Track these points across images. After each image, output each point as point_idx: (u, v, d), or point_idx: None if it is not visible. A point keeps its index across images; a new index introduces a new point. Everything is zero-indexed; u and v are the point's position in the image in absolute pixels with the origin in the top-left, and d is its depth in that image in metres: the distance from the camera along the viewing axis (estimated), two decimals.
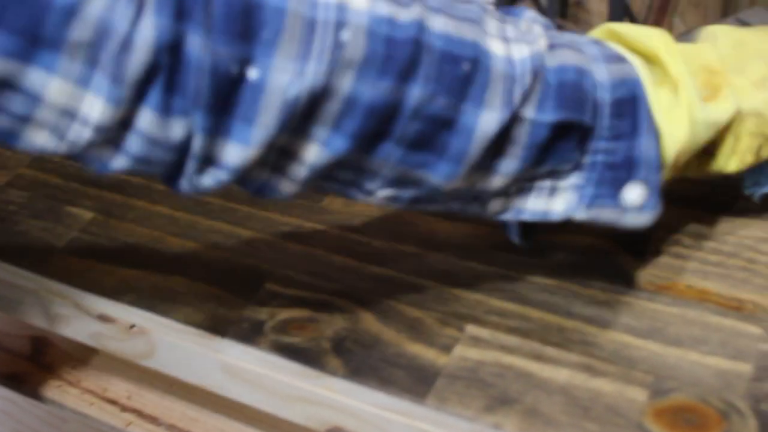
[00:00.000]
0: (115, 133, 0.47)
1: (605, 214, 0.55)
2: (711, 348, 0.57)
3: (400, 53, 0.48)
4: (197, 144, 0.47)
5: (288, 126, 0.48)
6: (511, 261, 0.64)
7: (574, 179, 0.54)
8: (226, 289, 0.64)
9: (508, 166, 0.52)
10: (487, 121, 0.50)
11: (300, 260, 0.66)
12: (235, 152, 0.48)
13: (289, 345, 0.60)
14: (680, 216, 0.66)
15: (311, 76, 0.46)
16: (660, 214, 0.55)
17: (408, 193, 0.53)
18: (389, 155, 0.50)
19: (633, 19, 2.13)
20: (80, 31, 0.43)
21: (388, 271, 0.65)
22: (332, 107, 0.48)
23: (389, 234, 0.68)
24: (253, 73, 0.46)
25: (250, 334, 0.61)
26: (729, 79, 0.56)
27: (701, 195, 0.67)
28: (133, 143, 0.47)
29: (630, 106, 0.53)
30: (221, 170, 0.49)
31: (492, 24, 0.51)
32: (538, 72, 0.51)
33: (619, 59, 0.54)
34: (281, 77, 0.46)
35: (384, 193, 0.53)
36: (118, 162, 0.48)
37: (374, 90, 0.48)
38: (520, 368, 0.57)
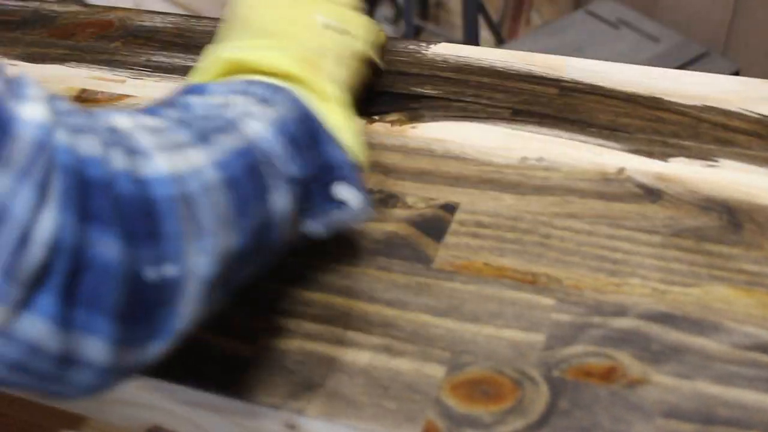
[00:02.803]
0: None
1: (335, 216, 0.58)
2: (506, 321, 0.59)
3: (240, 190, 0.49)
4: (101, 357, 0.42)
5: (207, 301, 0.47)
6: (315, 251, 0.64)
7: (307, 203, 0.57)
8: None
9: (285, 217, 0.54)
10: (279, 201, 0.52)
11: None
12: (155, 349, 0.45)
13: None
14: (479, 197, 0.67)
15: (213, 249, 0.46)
16: (368, 205, 0.58)
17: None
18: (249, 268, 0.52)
19: (487, 17, 2.17)
20: None
21: None
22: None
23: None
24: (170, 270, 0.43)
25: None
26: (321, 74, 0.61)
27: (499, 175, 0.69)
28: (11, 350, 0.40)
29: (311, 128, 0.56)
30: (131, 370, 0.45)
31: (238, 114, 0.53)
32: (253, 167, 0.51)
33: (283, 92, 0.57)
34: (195, 262, 0.44)
35: None
36: None
37: (242, 235, 0.49)
38: (323, 354, 0.58)
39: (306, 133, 0.56)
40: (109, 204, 0.41)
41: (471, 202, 0.67)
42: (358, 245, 0.65)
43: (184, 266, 0.44)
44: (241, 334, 0.60)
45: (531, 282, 0.61)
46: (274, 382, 0.57)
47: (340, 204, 0.57)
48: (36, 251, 0.38)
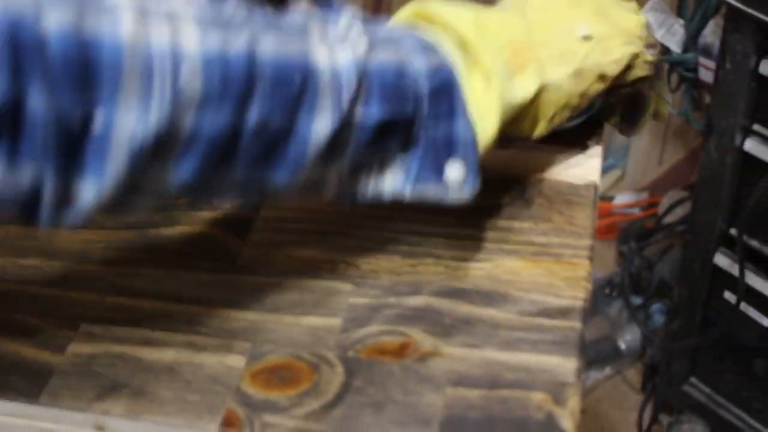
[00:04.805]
0: None
1: (430, 191, 0.58)
2: (305, 309, 0.61)
3: (234, 85, 0.49)
4: (49, 190, 0.47)
5: (138, 166, 0.48)
6: (123, 259, 0.66)
7: (400, 160, 0.58)
8: None
9: (341, 164, 0.55)
10: (320, 128, 0.52)
11: None
12: (89, 194, 0.48)
13: None
14: None
15: (155, 119, 0.47)
16: (478, 190, 0.58)
17: (250, 198, 0.56)
18: (234, 175, 0.52)
19: None
20: None
21: (7, 285, 0.65)
22: (177, 144, 0.49)
23: (10, 250, 0.68)
24: (98, 121, 0.46)
25: None
26: (534, 54, 0.61)
27: None
28: None
29: (446, 91, 0.56)
30: (76, 209, 0.49)
31: (316, 32, 0.54)
32: (362, 76, 0.53)
33: (434, 49, 0.57)
34: (126, 123, 0.47)
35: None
36: None
37: (215, 123, 0.49)
38: (130, 355, 0.59)
39: (432, 94, 0.56)
40: (41, 61, 0.44)
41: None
42: (167, 249, 0.66)
43: (112, 117, 0.46)
44: (50, 344, 0.61)
45: (330, 270, 0.63)
46: (83, 386, 0.58)
47: (449, 181, 0.57)
48: None
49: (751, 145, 1.24)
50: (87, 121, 0.46)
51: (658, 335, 1.66)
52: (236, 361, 0.58)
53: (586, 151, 0.70)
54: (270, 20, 0.53)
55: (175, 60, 0.48)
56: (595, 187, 0.67)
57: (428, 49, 0.57)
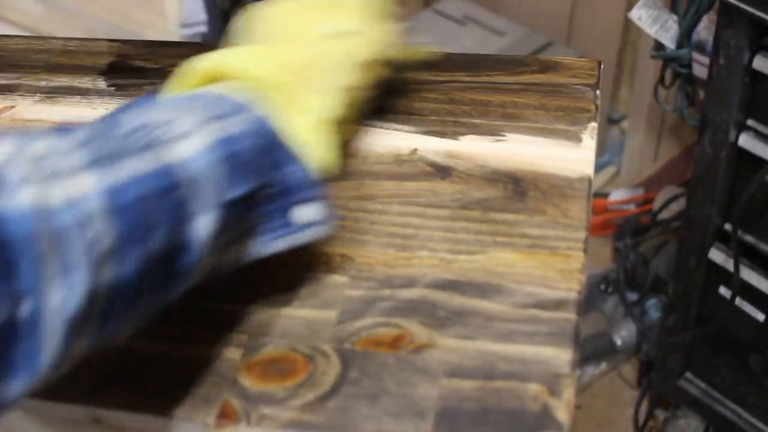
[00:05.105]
0: None
1: (292, 239, 0.58)
2: (301, 302, 0.61)
3: (132, 219, 0.48)
4: None
5: (69, 341, 0.46)
6: None
7: (257, 224, 0.57)
8: None
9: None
10: (202, 226, 0.52)
11: None
12: (18, 386, 0.45)
13: None
14: None
15: (81, 284, 0.45)
16: (333, 217, 0.60)
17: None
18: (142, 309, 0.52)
19: None
20: None
21: None
22: (100, 302, 0.47)
23: None
24: (25, 308, 0.43)
25: None
26: (308, 84, 0.62)
27: None
28: None
29: (271, 146, 0.56)
30: (6, 401, 0.46)
31: (171, 133, 0.53)
32: (212, 165, 0.53)
33: (247, 107, 0.57)
34: (55, 299, 0.44)
35: None
36: None
37: (127, 269, 0.48)
38: (127, 348, 0.60)
39: (262, 153, 0.56)
40: None
41: None
42: None
43: (40, 304, 0.44)
44: None
45: (325, 263, 0.63)
46: (80, 379, 0.58)
47: (301, 224, 0.58)
48: None
49: (745, 140, 1.25)
50: (13, 311, 0.43)
51: (653, 331, 1.67)
52: (233, 353, 0.59)
53: (580, 145, 0.70)
54: (118, 144, 0.51)
55: (79, 215, 0.46)
56: (589, 180, 0.68)
57: (241, 108, 0.57)
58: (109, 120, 0.54)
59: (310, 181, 0.57)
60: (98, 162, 0.48)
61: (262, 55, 0.62)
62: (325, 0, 0.68)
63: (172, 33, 1.77)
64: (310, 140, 0.59)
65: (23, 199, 0.44)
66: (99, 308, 0.48)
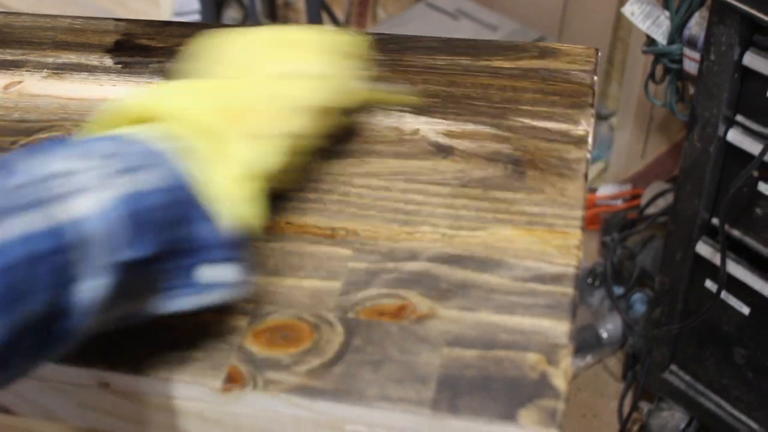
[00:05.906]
0: None
1: (196, 300, 0.55)
2: (306, 273, 0.63)
3: (9, 282, 0.46)
4: None
5: None
6: None
7: (162, 282, 0.55)
8: None
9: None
10: (90, 290, 0.49)
11: None
12: None
13: None
14: None
15: None
16: (246, 279, 0.57)
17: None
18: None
19: (332, 16, 2.22)
20: None
21: None
22: None
23: None
24: None
25: None
26: (241, 129, 0.58)
27: None
28: None
29: (180, 202, 0.53)
30: None
31: (70, 186, 0.50)
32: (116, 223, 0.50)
33: (161, 159, 0.54)
34: None
35: None
36: None
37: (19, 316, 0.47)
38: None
39: (171, 209, 0.53)
40: None
41: None
42: None
43: None
44: None
45: (330, 236, 0.65)
46: (87, 344, 0.59)
47: (207, 285, 0.55)
48: None
49: (733, 136, 1.27)
50: None
51: (639, 324, 1.69)
52: (239, 321, 0.60)
53: (578, 127, 0.72)
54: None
55: None
56: (586, 160, 0.69)
57: (158, 160, 0.54)
58: (4, 167, 0.50)
59: (221, 241, 0.54)
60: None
61: (196, 94, 0.59)
62: (285, 36, 0.66)
63: None
64: (231, 195, 0.55)
65: None
66: None
